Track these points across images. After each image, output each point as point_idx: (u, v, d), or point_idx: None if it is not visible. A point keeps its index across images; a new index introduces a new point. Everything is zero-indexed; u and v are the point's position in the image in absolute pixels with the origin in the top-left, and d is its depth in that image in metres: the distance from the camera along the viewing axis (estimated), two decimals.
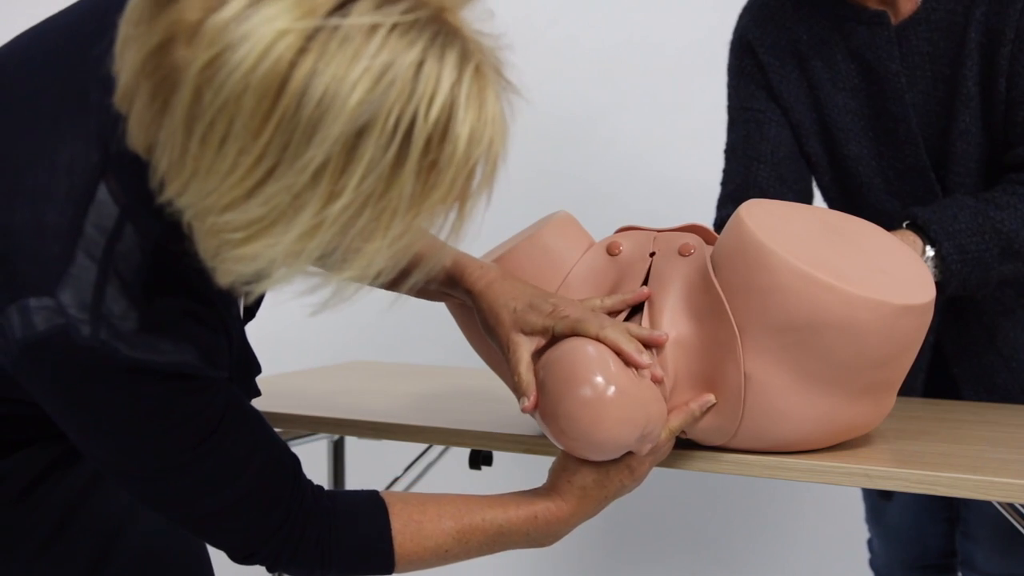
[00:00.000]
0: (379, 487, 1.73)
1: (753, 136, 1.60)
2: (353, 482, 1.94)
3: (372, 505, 1.09)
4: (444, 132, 0.75)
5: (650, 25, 2.52)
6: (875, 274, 1.14)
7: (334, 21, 0.72)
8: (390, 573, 1.09)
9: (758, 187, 1.58)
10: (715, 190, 1.66)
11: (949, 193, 1.52)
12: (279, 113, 0.72)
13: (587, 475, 1.12)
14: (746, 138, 1.61)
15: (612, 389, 1.05)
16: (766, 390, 1.13)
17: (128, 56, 0.77)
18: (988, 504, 1.20)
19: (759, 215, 1.15)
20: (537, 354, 1.14)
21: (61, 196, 0.87)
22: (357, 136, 0.73)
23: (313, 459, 2.08)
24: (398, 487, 1.71)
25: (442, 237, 0.82)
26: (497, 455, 1.42)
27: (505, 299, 1.16)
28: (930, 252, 1.40)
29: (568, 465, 1.13)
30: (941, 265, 1.40)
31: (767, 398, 1.14)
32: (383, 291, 2.56)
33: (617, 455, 1.10)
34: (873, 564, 1.93)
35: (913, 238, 1.41)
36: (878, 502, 1.84)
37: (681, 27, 2.48)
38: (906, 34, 1.50)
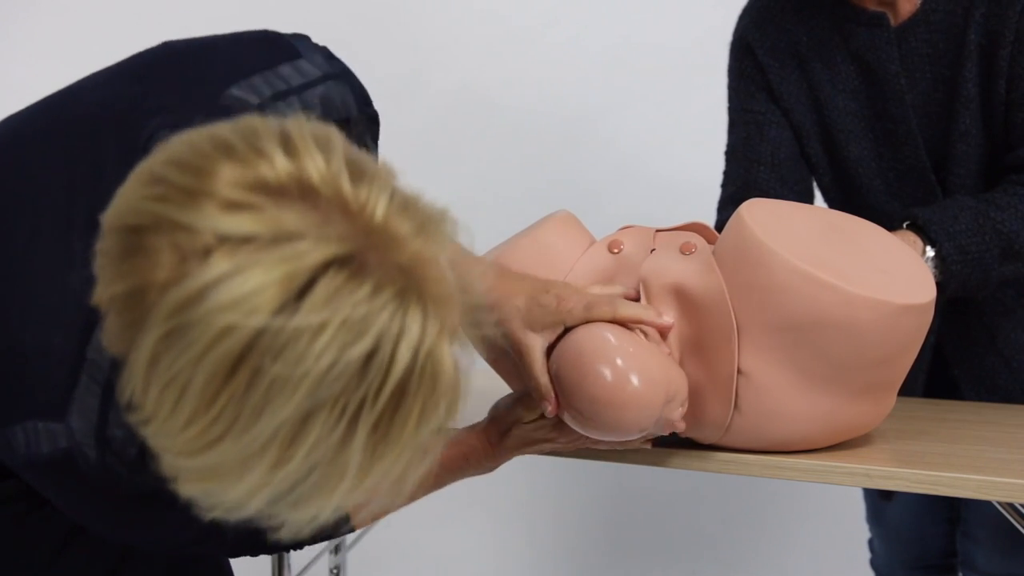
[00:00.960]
0: None
1: (753, 138, 1.60)
2: None
3: None
4: (393, 412, 0.73)
5: (650, 25, 2.52)
6: (876, 274, 1.14)
7: (279, 321, 0.69)
8: (349, 531, 1.17)
9: (759, 188, 1.57)
10: (715, 190, 1.66)
11: (949, 194, 1.51)
12: (228, 393, 0.71)
13: (515, 433, 1.19)
14: (746, 140, 1.61)
15: (633, 370, 1.07)
16: (767, 389, 1.14)
17: (100, 278, 0.77)
18: (988, 504, 1.20)
19: (760, 214, 1.15)
20: (549, 348, 1.15)
21: (69, 321, 0.89)
22: (303, 420, 0.72)
23: None
24: None
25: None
26: None
27: (508, 297, 1.16)
28: (930, 252, 1.40)
29: (501, 417, 1.19)
30: (941, 266, 1.40)
31: (768, 397, 1.14)
32: None
33: (645, 432, 1.11)
34: (874, 564, 1.93)
35: (913, 238, 1.41)
36: (878, 502, 1.84)
37: (681, 27, 2.48)
38: (906, 35, 1.50)
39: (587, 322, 1.12)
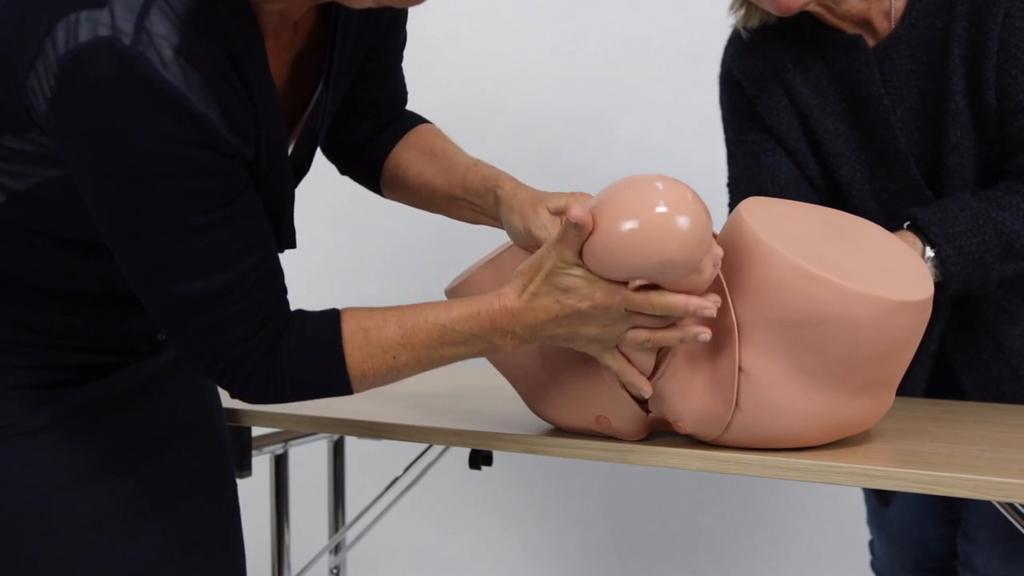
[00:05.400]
0: (379, 487, 1.75)
1: (752, 168, 1.61)
2: (353, 482, 1.94)
3: (326, 315, 1.12)
4: None
5: (651, 25, 2.52)
6: (874, 271, 1.15)
7: None
8: (346, 384, 1.11)
9: None
10: (715, 190, 1.66)
11: None
12: None
13: (543, 282, 1.10)
14: (746, 171, 1.62)
15: (689, 195, 1.07)
16: (766, 386, 1.14)
17: None
18: (989, 506, 1.20)
19: (759, 212, 1.16)
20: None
21: None
22: None
23: (313, 459, 2.08)
24: (398, 487, 1.71)
25: None
26: (497, 455, 1.42)
27: (530, 191, 1.24)
28: (930, 253, 1.41)
29: (528, 270, 1.11)
30: (941, 267, 1.40)
31: (767, 394, 1.14)
32: (382, 288, 2.54)
33: (691, 266, 1.07)
34: (874, 566, 1.93)
35: (913, 239, 1.41)
36: (878, 506, 1.84)
37: (682, 27, 2.48)
38: (888, 54, 1.50)
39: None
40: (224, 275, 1.03)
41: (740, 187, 1.63)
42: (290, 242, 1.18)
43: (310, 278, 2.08)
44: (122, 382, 1.23)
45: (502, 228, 1.28)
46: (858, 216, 1.55)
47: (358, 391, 1.13)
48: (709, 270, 1.09)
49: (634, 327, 1.12)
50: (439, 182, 1.32)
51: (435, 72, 2.50)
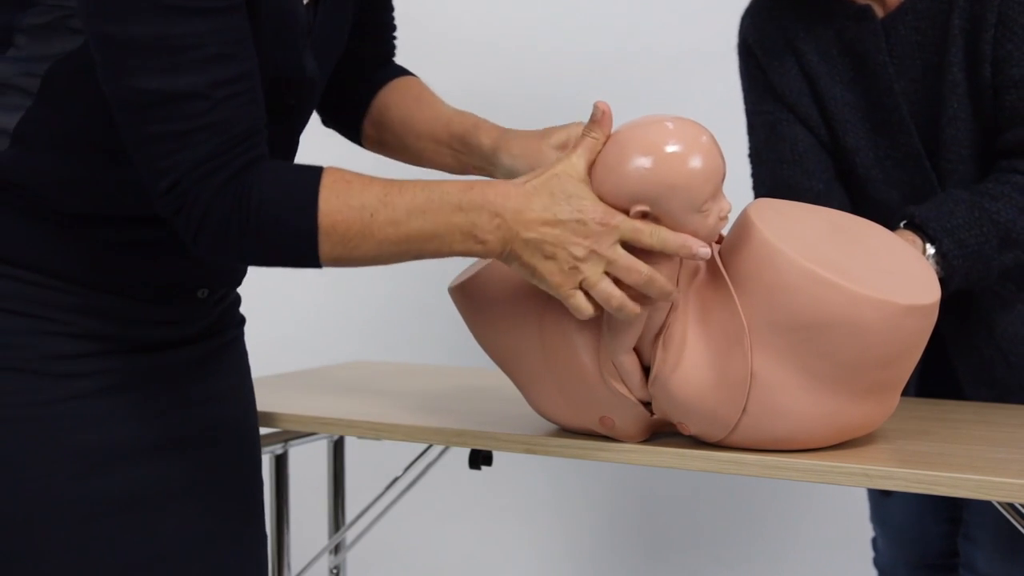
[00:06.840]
0: (379, 487, 1.75)
1: (771, 138, 1.64)
2: (353, 482, 1.94)
3: (308, 165, 1.08)
4: None
5: (651, 26, 2.52)
6: (881, 274, 1.15)
7: None
8: (312, 233, 1.04)
9: (787, 185, 1.61)
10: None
11: (944, 179, 1.54)
12: None
13: (547, 181, 1.09)
14: (766, 141, 1.65)
15: (704, 136, 1.10)
16: (771, 387, 1.14)
17: None
18: (989, 506, 1.20)
19: (767, 214, 1.17)
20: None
21: None
22: None
23: (313, 459, 2.08)
24: (398, 487, 1.71)
25: None
26: (497, 455, 1.42)
27: (522, 135, 1.26)
28: (931, 250, 1.42)
29: (536, 171, 1.11)
30: (943, 262, 1.42)
31: (771, 395, 1.14)
32: (385, 287, 2.52)
33: (696, 200, 1.09)
34: (877, 563, 1.93)
35: (913, 237, 1.42)
36: (879, 500, 1.85)
37: (683, 28, 2.48)
38: (895, 25, 1.53)
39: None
40: (195, 76, 1.01)
41: (761, 157, 1.66)
42: None
43: (310, 279, 2.08)
44: (151, 366, 1.20)
45: (485, 175, 1.29)
46: (864, 184, 1.60)
47: (324, 251, 1.05)
48: (713, 218, 1.11)
49: (610, 274, 1.08)
50: (423, 126, 1.35)
51: (435, 71, 2.50)
